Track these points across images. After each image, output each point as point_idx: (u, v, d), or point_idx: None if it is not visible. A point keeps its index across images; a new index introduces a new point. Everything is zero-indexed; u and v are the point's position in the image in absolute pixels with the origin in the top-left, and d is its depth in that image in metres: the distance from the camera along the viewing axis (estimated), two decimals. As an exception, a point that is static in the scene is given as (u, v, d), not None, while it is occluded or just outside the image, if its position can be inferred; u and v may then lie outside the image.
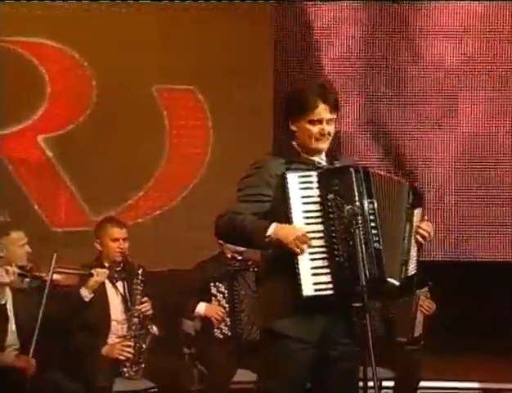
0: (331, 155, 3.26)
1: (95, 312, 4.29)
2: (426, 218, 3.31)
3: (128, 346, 4.27)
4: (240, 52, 5.87)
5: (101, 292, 4.33)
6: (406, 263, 3.19)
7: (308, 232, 3.01)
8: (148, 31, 5.82)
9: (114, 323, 4.38)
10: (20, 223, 5.40)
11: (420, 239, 3.20)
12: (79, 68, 5.73)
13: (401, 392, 4.85)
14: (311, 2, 6.34)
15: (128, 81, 5.71)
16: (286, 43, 6.26)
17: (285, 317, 3.04)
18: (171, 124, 5.80)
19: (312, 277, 3.01)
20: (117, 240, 4.47)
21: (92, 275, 4.16)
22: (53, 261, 3.99)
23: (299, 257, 2.99)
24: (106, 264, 4.41)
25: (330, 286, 3.01)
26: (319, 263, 3.03)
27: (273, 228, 3.02)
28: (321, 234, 3.04)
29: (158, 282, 4.84)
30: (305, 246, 2.99)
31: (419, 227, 3.20)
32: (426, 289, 4.98)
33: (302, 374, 3.14)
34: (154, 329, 4.42)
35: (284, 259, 3.03)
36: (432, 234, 3.25)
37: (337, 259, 3.02)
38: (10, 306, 4.08)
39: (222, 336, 4.72)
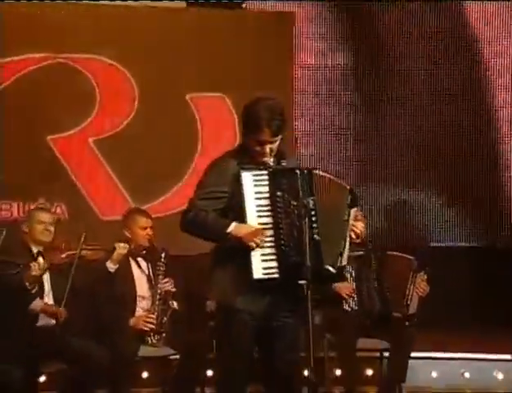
0: (279, 155, 3.60)
1: (121, 285, 4.94)
2: (361, 216, 3.82)
3: (151, 319, 4.93)
4: (264, 64, 6.50)
5: (126, 268, 4.99)
6: (341, 254, 3.59)
7: (259, 224, 3.42)
8: (185, 47, 6.49)
9: (140, 299, 5.02)
10: (77, 215, 6.20)
11: (354, 235, 3.62)
12: (125, 80, 6.45)
13: (395, 362, 5.30)
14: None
15: (166, 89, 6.39)
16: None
17: (237, 294, 3.48)
18: (202, 127, 6.50)
19: (261, 263, 3.43)
20: (145, 228, 5.14)
21: (114, 249, 4.84)
22: (82, 239, 4.67)
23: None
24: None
25: (276, 270, 3.44)
26: (268, 251, 3.44)
27: (233, 226, 3.43)
28: (270, 226, 3.45)
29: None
30: (259, 241, 3.39)
31: (353, 225, 3.62)
32: (423, 272, 5.37)
33: (250, 342, 3.57)
34: (175, 304, 5.06)
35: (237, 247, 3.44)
36: (364, 232, 3.74)
37: (283, 248, 3.44)
38: (47, 281, 4.78)
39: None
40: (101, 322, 4.88)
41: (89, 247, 4.73)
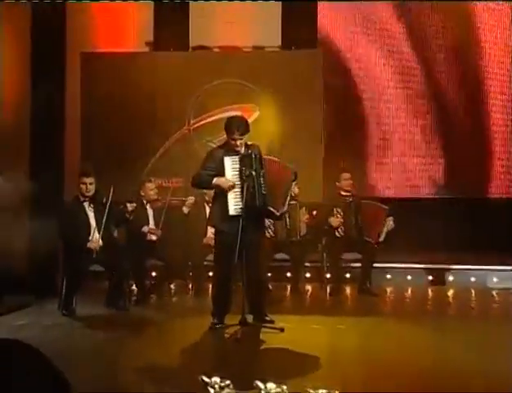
0: (247, 145, 5.94)
1: (192, 221, 7.78)
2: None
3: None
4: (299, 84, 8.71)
5: (198, 211, 7.82)
6: (283, 204, 6.03)
7: (232, 184, 5.86)
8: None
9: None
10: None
11: (289, 197, 6.13)
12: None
13: (365, 268, 7.86)
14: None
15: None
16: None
17: (221, 222, 5.99)
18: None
19: (233, 206, 5.92)
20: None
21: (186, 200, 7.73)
22: (169, 195, 7.65)
23: (228, 194, 5.86)
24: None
25: (241, 210, 5.82)
26: (237, 199, 5.89)
27: (216, 179, 5.91)
28: (239, 185, 5.87)
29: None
30: (231, 188, 5.84)
31: (293, 191, 6.28)
32: (392, 218, 7.80)
33: (229, 249, 5.69)
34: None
35: (222, 195, 5.96)
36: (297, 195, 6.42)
37: (245, 197, 5.79)
38: (151, 216, 7.63)
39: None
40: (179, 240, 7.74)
41: (173, 199, 7.70)
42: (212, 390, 3.86)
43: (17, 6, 8.33)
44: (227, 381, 3.88)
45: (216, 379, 3.88)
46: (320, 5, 9.32)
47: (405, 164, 9.03)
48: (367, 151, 9.09)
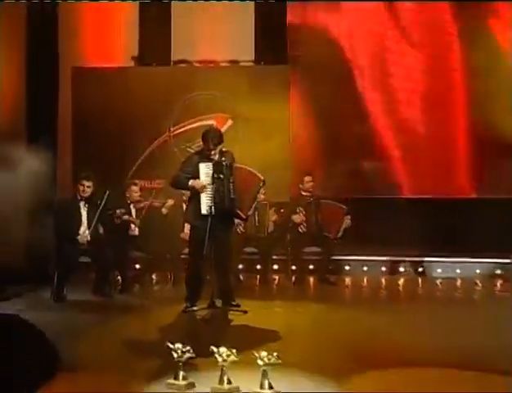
0: (222, 152, 6.74)
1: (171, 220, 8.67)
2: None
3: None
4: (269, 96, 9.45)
5: (175, 212, 8.67)
6: (250, 208, 6.91)
7: (205, 186, 6.66)
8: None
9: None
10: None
11: (256, 203, 7.07)
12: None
13: (324, 260, 8.76)
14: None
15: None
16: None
17: (195, 219, 6.82)
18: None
19: (205, 206, 6.69)
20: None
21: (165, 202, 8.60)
22: (151, 198, 8.50)
23: (201, 196, 6.69)
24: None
25: (212, 210, 6.65)
26: (209, 199, 6.69)
27: (191, 181, 6.72)
28: (210, 187, 6.66)
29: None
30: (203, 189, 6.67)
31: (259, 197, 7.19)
32: (349, 216, 8.71)
33: (202, 245, 6.53)
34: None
35: (196, 196, 6.83)
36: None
37: (215, 199, 6.64)
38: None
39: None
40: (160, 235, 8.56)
41: (155, 201, 8.56)
42: (175, 354, 4.70)
43: (12, 20, 9.19)
44: (188, 347, 4.71)
45: (178, 345, 4.71)
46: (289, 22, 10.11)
47: (364, 167, 9.85)
48: (330, 155, 9.90)
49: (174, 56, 10.26)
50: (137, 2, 10.15)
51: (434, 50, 9.85)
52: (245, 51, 10.11)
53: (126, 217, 8.32)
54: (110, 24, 10.01)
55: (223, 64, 10.11)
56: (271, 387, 4.48)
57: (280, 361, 4.51)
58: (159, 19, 10.13)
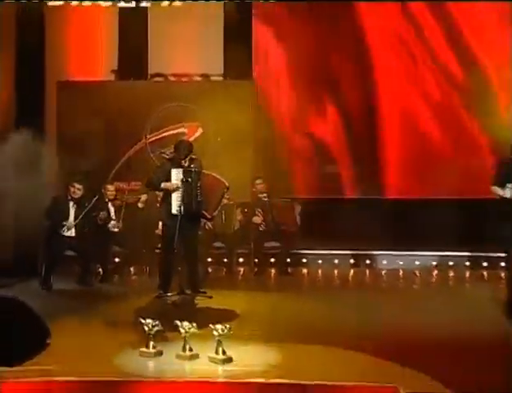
0: (192, 159, 7.74)
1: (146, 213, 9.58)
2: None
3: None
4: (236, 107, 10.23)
5: (151, 206, 9.62)
6: (215, 210, 7.92)
7: (176, 187, 7.65)
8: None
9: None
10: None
11: (220, 205, 8.06)
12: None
13: (282, 254, 9.75)
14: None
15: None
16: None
17: (167, 218, 7.78)
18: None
19: (175, 207, 7.66)
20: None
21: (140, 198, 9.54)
22: (126, 194, 9.47)
23: (172, 198, 7.67)
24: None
25: (180, 211, 7.59)
26: (178, 201, 7.65)
27: (164, 184, 7.69)
28: (180, 190, 7.61)
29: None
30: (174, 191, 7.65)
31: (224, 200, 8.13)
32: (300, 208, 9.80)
33: (172, 241, 7.50)
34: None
35: (168, 198, 7.81)
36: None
37: (184, 200, 7.60)
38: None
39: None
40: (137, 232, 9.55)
41: (130, 198, 9.52)
42: (146, 328, 5.66)
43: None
44: (157, 322, 5.67)
45: (149, 320, 5.67)
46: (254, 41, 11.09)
47: (323, 170, 10.89)
48: (290, 159, 10.93)
49: (151, 69, 11.20)
50: (117, 17, 11.05)
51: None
52: (215, 66, 11.07)
53: (113, 223, 9.29)
54: (91, 41, 10.93)
55: (195, 78, 11.05)
56: (224, 353, 5.46)
57: (231, 332, 5.49)
58: (136, 35, 11.03)
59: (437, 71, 10.88)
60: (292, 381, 4.95)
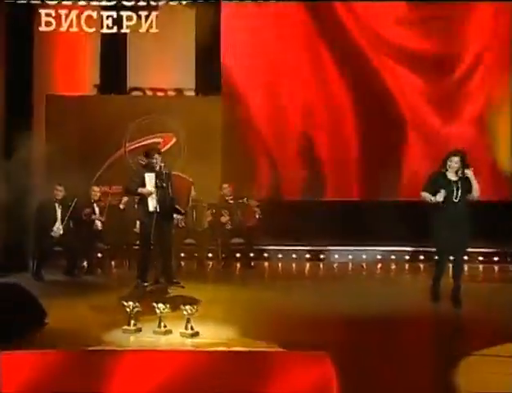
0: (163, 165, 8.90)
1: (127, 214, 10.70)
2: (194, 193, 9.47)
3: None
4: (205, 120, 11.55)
5: (131, 207, 10.74)
6: (187, 204, 9.17)
7: (150, 192, 8.83)
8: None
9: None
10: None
11: (191, 200, 9.27)
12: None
13: (246, 249, 10.91)
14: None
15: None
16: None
17: (144, 217, 8.82)
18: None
19: (151, 206, 8.76)
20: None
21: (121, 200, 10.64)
22: (109, 197, 10.56)
23: (148, 199, 8.74)
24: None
25: (156, 209, 8.71)
26: (154, 202, 8.72)
27: (140, 189, 8.76)
28: (155, 193, 8.69)
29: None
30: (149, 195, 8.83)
31: (192, 195, 9.31)
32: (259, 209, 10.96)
33: (148, 234, 8.57)
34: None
35: (144, 199, 8.85)
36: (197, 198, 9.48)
37: (159, 200, 8.72)
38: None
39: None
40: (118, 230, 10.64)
41: (113, 200, 10.62)
42: (127, 309, 6.77)
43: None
44: (137, 303, 6.79)
45: (130, 302, 6.79)
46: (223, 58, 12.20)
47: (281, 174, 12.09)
48: (252, 166, 12.12)
49: (130, 84, 12.29)
50: (99, 40, 12.12)
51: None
52: (188, 82, 12.19)
53: (97, 218, 10.34)
54: (77, 60, 12.02)
55: (170, 92, 12.17)
56: (192, 329, 6.60)
57: (198, 312, 6.62)
58: (116, 55, 12.11)
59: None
60: (246, 350, 6.08)
